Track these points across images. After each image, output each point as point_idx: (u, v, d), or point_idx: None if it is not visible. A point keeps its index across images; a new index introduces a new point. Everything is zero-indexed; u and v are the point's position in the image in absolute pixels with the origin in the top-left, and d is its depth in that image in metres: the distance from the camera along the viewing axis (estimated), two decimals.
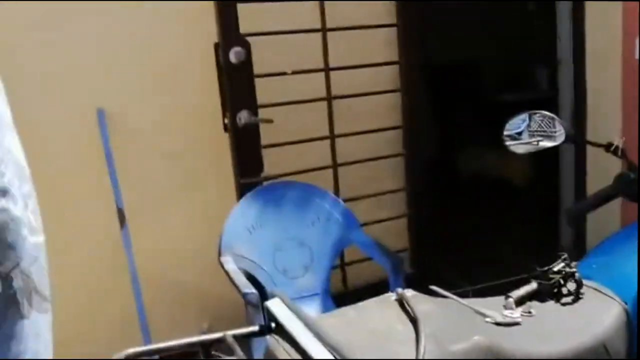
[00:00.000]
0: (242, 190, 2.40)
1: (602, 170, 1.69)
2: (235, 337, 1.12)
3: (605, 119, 2.90)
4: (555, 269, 1.30)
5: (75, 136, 2.39)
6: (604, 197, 1.56)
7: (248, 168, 2.44)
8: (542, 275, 1.31)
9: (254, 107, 2.38)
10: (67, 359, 2.49)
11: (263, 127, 2.41)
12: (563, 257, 1.33)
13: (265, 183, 2.46)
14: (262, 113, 2.40)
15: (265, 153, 2.51)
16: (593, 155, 2.95)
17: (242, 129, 2.35)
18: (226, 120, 2.42)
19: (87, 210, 2.45)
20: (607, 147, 1.53)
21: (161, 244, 2.57)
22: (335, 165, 2.82)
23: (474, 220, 3.98)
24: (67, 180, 2.37)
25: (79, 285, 2.38)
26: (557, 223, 3.34)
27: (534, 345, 1.12)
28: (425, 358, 1.02)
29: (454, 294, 1.29)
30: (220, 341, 1.11)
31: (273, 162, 2.53)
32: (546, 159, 3.94)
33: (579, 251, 2.92)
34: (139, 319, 2.42)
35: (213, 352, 1.13)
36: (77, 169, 2.40)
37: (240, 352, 1.06)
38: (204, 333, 1.36)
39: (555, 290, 1.29)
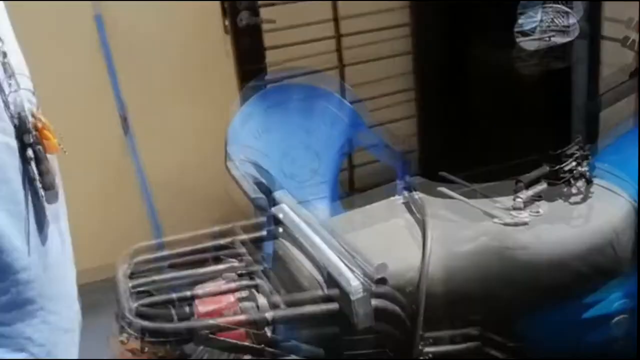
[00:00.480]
0: (245, 94, 2.35)
1: (617, 67, 1.63)
2: (244, 241, 1.12)
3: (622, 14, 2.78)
4: (569, 152, 1.27)
5: (74, 44, 2.32)
6: (617, 94, 1.51)
7: (251, 71, 2.38)
8: (554, 158, 1.27)
9: (254, 7, 2.29)
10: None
11: (265, 28, 2.33)
12: (577, 139, 1.29)
13: (269, 86, 2.41)
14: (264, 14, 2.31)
15: (268, 55, 2.44)
16: (608, 50, 2.84)
17: (244, 30, 2.27)
18: (227, 22, 2.34)
19: (91, 119, 2.42)
20: (623, 41, 1.46)
21: (167, 151, 2.56)
22: (341, 66, 2.74)
23: (484, 121, 3.93)
24: (69, 89, 2.32)
25: (86, 194, 2.40)
26: (569, 121, 3.29)
27: (542, 245, 1.12)
28: (432, 259, 1.02)
29: (463, 194, 1.28)
30: (230, 245, 1.12)
31: (277, 63, 2.47)
32: (559, 55, 3.84)
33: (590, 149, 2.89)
34: (150, 224, 2.46)
35: (222, 256, 1.14)
36: (78, 78, 2.35)
37: (248, 256, 1.07)
38: (214, 237, 1.37)
39: (565, 189, 1.28)
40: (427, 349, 1.04)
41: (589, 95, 3.02)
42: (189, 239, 1.12)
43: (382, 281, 0.94)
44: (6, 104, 0.69)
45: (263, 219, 1.91)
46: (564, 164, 1.26)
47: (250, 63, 2.38)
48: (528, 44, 1.55)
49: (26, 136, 0.69)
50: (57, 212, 0.75)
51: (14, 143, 0.68)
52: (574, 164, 1.30)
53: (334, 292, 0.94)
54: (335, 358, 0.99)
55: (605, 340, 1.17)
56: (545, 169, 1.29)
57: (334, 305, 0.92)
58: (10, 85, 0.70)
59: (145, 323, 0.84)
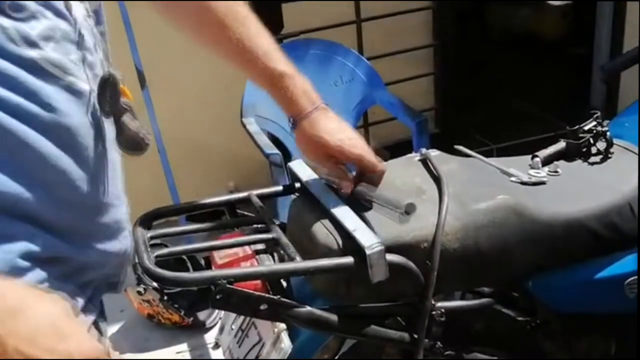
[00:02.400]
0: None
1: None
2: (260, 196, 1.13)
3: None
4: (586, 128, 1.26)
5: None
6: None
7: (267, 25, 2.34)
8: (572, 134, 1.27)
9: None
10: None
11: None
12: (595, 115, 1.28)
13: (285, 41, 2.38)
14: None
15: (285, 8, 2.41)
16: (634, 8, 2.76)
17: None
18: None
19: None
20: None
21: (183, 107, 2.56)
22: (359, 21, 2.70)
23: (503, 78, 3.87)
24: None
25: None
26: (590, 80, 3.23)
27: (560, 204, 1.12)
28: (448, 216, 1.02)
29: (479, 153, 1.27)
30: (245, 200, 1.13)
31: (293, 18, 2.43)
32: (582, 12, 3.75)
33: (611, 110, 2.85)
34: (166, 179, 2.48)
35: (238, 211, 1.15)
36: None
37: (265, 211, 1.08)
38: (230, 192, 1.38)
39: (585, 149, 1.27)
40: (439, 304, 1.05)
41: (611, 55, 2.95)
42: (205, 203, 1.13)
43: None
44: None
45: (278, 174, 1.92)
46: (581, 141, 1.25)
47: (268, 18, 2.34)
48: None
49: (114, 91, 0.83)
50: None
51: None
52: (593, 123, 1.28)
53: (349, 245, 0.95)
54: (349, 310, 1.01)
55: (617, 301, 1.17)
56: (562, 144, 1.27)
57: (349, 259, 0.93)
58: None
59: (164, 272, 0.85)
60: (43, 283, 0.72)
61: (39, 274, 0.72)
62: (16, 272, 0.69)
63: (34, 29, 0.70)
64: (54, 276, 0.74)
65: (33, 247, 0.71)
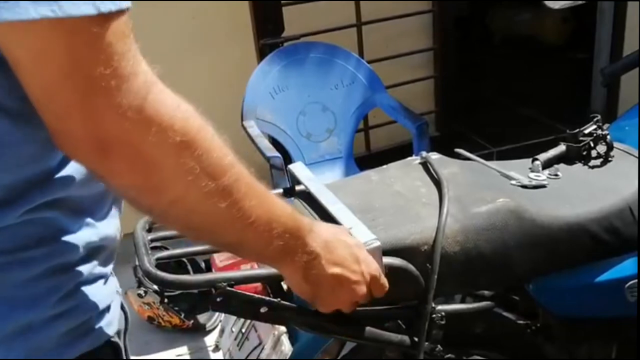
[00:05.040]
0: (263, 52, 2.33)
1: None
2: None
3: None
4: (586, 131, 1.26)
5: None
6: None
7: (268, 28, 2.35)
8: (572, 137, 1.27)
9: None
10: None
11: None
12: (595, 119, 1.28)
13: (286, 44, 2.38)
14: None
15: (285, 11, 2.41)
16: (634, 11, 2.77)
17: None
18: None
19: None
20: None
21: None
22: (359, 24, 2.70)
23: (503, 82, 3.87)
24: None
25: None
26: (590, 84, 3.23)
27: (560, 208, 1.12)
28: (448, 218, 1.02)
29: (480, 156, 1.27)
30: None
31: (294, 21, 2.43)
32: (582, 16, 3.75)
33: (611, 113, 2.85)
34: None
35: None
36: None
37: None
38: None
39: (585, 152, 1.27)
40: (439, 307, 1.05)
41: (612, 59, 2.95)
42: None
43: None
44: None
45: (278, 177, 1.92)
46: (581, 144, 1.25)
47: (269, 20, 2.35)
48: (552, 2, 1.51)
49: None
50: None
51: None
52: (593, 127, 1.28)
53: None
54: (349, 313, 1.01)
55: (618, 305, 1.17)
56: (562, 147, 1.28)
57: None
58: None
59: (165, 274, 0.85)
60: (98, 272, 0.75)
61: (94, 265, 0.74)
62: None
63: None
64: (102, 261, 0.75)
65: (89, 237, 0.72)
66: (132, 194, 0.65)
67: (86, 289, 0.72)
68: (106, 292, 0.76)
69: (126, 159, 0.61)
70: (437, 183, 1.11)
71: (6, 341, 0.67)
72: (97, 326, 0.73)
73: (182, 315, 2.09)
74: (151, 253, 0.92)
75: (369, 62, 2.43)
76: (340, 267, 0.81)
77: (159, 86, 0.67)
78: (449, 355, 1.09)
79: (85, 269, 0.72)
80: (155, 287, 2.01)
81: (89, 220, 0.73)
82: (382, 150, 2.88)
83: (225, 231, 0.72)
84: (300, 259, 0.78)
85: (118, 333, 0.78)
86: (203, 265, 2.03)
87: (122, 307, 0.82)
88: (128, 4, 0.60)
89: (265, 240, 0.73)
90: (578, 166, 1.27)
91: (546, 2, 1.51)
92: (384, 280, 0.88)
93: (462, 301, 1.20)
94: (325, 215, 1.02)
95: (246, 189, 0.70)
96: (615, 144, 1.28)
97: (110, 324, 0.75)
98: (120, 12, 0.59)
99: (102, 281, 0.75)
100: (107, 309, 0.75)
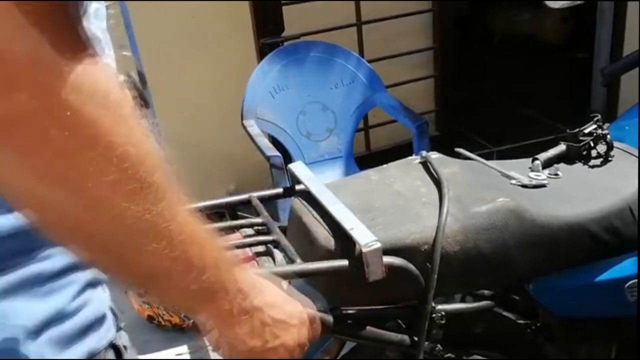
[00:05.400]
0: (263, 52, 2.33)
1: None
2: (260, 198, 1.13)
3: None
4: (587, 131, 1.26)
5: None
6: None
7: (268, 28, 2.35)
8: (572, 137, 1.27)
9: None
10: None
11: None
12: (595, 118, 1.28)
13: (286, 43, 2.38)
14: None
15: (285, 10, 2.41)
16: (634, 12, 2.77)
17: None
18: None
19: None
20: None
21: (184, 108, 2.56)
22: (359, 23, 2.70)
23: (503, 82, 3.87)
24: None
25: None
26: (590, 84, 3.23)
27: (560, 207, 1.12)
28: (448, 218, 1.02)
29: (480, 156, 1.27)
30: (245, 202, 1.13)
31: (294, 21, 2.43)
32: (582, 16, 3.75)
33: (612, 113, 2.85)
34: None
35: (239, 213, 1.15)
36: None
37: (265, 213, 1.08)
38: (230, 194, 1.38)
39: (585, 152, 1.27)
40: (439, 307, 1.05)
41: (612, 58, 2.95)
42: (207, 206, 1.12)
43: None
44: None
45: (278, 176, 1.92)
46: (581, 144, 1.25)
47: (269, 20, 2.35)
48: (552, 2, 1.51)
49: None
50: None
51: None
52: (593, 126, 1.28)
53: (350, 247, 0.95)
54: (349, 313, 1.01)
55: (618, 305, 1.17)
56: (563, 147, 1.28)
57: (344, 262, 0.93)
58: None
59: None
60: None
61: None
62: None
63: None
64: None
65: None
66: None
67: (92, 290, 0.72)
68: (105, 296, 0.76)
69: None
70: (437, 183, 1.11)
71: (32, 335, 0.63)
72: (101, 327, 0.73)
73: (182, 314, 2.08)
74: None
75: (369, 61, 2.43)
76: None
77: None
78: (448, 355, 1.09)
79: (89, 271, 0.72)
80: None
81: None
82: (382, 150, 2.88)
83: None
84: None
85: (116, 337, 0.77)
86: None
87: (113, 312, 0.78)
88: None
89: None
90: (578, 166, 1.27)
91: (546, 2, 1.51)
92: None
93: (462, 301, 1.20)
94: (326, 216, 1.02)
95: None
96: (615, 144, 1.28)
97: (111, 329, 0.75)
98: None
99: (101, 287, 0.75)
100: (106, 314, 0.75)
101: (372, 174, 1.20)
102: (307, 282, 1.05)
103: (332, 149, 2.29)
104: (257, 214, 1.09)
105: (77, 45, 0.49)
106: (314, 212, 1.05)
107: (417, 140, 2.12)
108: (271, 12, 2.35)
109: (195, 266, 0.58)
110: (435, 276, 0.99)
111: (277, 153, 1.97)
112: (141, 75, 2.42)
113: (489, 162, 1.24)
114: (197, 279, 0.58)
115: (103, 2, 0.84)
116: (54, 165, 0.48)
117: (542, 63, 4.10)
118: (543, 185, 1.17)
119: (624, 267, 1.15)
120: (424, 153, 1.22)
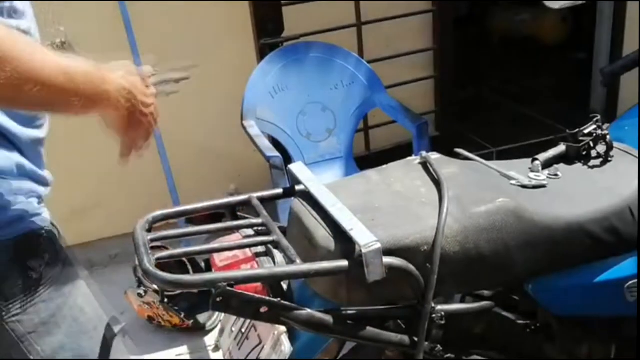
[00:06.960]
0: (263, 52, 2.33)
1: None
2: (260, 199, 1.13)
3: None
4: (586, 131, 1.26)
5: (92, 4, 2.30)
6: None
7: (268, 28, 2.35)
8: (572, 137, 1.27)
9: None
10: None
11: None
12: (595, 118, 1.28)
13: (286, 44, 2.39)
14: None
15: (285, 11, 2.41)
16: (634, 12, 2.77)
17: None
18: None
19: None
20: None
21: (184, 109, 2.55)
22: (359, 24, 2.70)
23: (503, 82, 3.87)
24: (87, 47, 2.31)
25: (104, 153, 2.41)
26: (590, 84, 3.23)
27: (560, 208, 1.12)
28: (448, 218, 1.02)
29: (480, 156, 1.28)
30: (245, 203, 1.13)
31: (294, 21, 2.43)
32: (582, 16, 3.75)
33: (611, 113, 2.85)
34: (166, 182, 2.48)
35: (239, 213, 1.15)
36: (95, 37, 2.34)
37: (265, 214, 1.08)
38: (231, 195, 1.38)
39: (585, 152, 1.27)
40: (439, 307, 1.05)
41: (611, 59, 2.95)
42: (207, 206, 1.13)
43: None
44: None
45: (278, 177, 1.92)
46: (581, 144, 1.25)
47: (269, 20, 2.35)
48: (552, 2, 1.51)
49: None
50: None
51: None
52: (593, 127, 1.28)
53: (350, 247, 0.95)
54: (349, 313, 1.01)
55: (617, 304, 1.17)
56: (562, 147, 1.28)
57: (344, 263, 0.93)
58: None
59: (165, 274, 0.85)
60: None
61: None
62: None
63: (21, 26, 0.86)
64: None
65: None
66: None
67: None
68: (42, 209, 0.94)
69: None
70: (437, 183, 1.11)
71: None
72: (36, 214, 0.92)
73: (182, 315, 2.09)
74: (151, 253, 0.92)
75: (369, 62, 2.43)
76: None
77: None
78: (448, 355, 1.10)
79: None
80: (155, 286, 2.01)
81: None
82: (382, 150, 2.88)
83: None
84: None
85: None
86: (203, 265, 2.03)
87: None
88: None
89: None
90: (578, 166, 1.27)
91: (546, 2, 1.51)
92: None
93: (462, 301, 1.20)
94: (326, 217, 1.02)
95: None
96: (615, 144, 1.28)
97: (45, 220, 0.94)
98: None
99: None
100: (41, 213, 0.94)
101: (372, 174, 1.20)
102: (307, 283, 1.05)
103: (332, 150, 2.29)
104: (257, 215, 1.09)
105: None
106: (314, 213, 1.05)
107: (416, 140, 2.12)
108: (271, 13, 2.35)
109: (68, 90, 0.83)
110: (435, 276, 0.99)
111: (277, 154, 1.97)
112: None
113: (489, 163, 1.24)
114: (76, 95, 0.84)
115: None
116: None
117: (542, 63, 4.10)
118: (543, 186, 1.17)
119: (624, 267, 1.15)
120: (423, 153, 1.22)
